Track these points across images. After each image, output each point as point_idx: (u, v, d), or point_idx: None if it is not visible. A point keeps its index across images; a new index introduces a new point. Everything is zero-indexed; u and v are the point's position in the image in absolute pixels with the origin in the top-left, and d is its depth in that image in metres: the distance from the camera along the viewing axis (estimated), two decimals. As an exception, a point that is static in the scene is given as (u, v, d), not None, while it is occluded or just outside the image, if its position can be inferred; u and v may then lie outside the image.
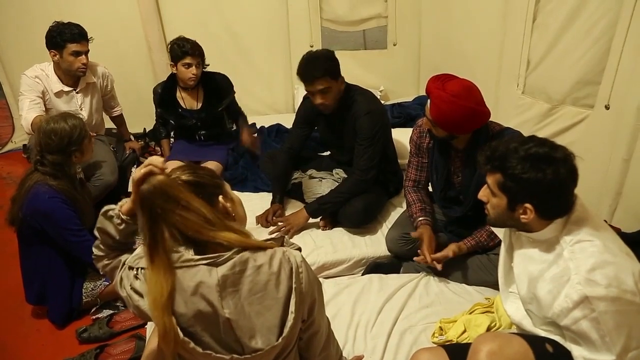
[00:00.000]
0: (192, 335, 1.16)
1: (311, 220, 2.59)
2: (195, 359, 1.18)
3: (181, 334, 1.14)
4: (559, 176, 1.30)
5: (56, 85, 2.92)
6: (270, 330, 1.18)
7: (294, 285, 1.19)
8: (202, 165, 2.74)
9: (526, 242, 1.49)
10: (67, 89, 2.95)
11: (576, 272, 1.28)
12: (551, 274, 1.36)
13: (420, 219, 2.21)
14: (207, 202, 1.18)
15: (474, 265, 2.14)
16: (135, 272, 1.20)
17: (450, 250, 2.06)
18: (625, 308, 1.24)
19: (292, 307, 1.19)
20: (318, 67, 2.37)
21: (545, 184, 1.30)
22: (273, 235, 2.22)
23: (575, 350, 1.32)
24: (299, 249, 1.29)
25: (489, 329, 1.79)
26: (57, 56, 2.81)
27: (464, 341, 1.77)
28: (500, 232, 1.74)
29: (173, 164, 2.94)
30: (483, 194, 1.49)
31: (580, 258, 1.30)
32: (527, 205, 1.35)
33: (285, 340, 1.19)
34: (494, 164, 1.39)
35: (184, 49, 2.89)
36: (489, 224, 1.61)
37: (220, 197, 1.23)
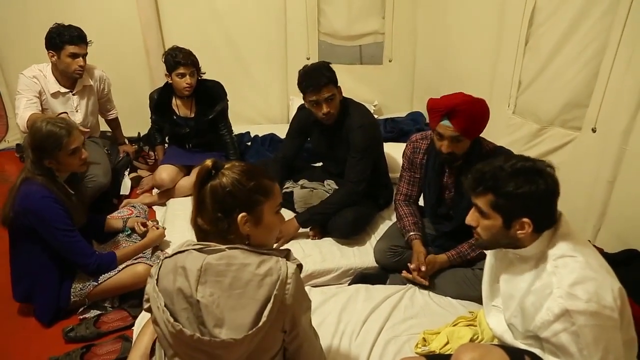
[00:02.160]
0: (171, 312, 1.23)
1: (301, 230, 2.61)
2: (167, 332, 1.23)
3: (162, 304, 1.22)
4: (548, 186, 1.35)
5: (53, 86, 2.93)
6: (238, 327, 1.20)
7: (275, 293, 1.20)
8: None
9: (514, 260, 1.52)
10: (63, 90, 2.96)
11: (558, 286, 1.31)
12: (535, 287, 1.40)
13: (412, 233, 2.25)
14: (223, 212, 1.25)
15: (459, 279, 2.16)
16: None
17: (427, 262, 2.12)
18: (604, 323, 1.27)
19: (266, 312, 1.20)
20: (323, 75, 2.41)
21: (539, 194, 1.35)
22: (281, 247, 2.23)
23: (554, 363, 1.35)
24: (300, 266, 1.30)
25: (471, 341, 1.80)
26: (55, 57, 2.83)
27: (447, 352, 1.79)
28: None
29: (166, 168, 3.02)
30: (471, 218, 1.49)
31: (563, 273, 1.33)
32: (525, 219, 1.38)
33: (249, 342, 1.20)
34: (487, 184, 1.40)
35: (176, 59, 2.89)
36: (481, 248, 1.62)
37: (241, 215, 1.25)
